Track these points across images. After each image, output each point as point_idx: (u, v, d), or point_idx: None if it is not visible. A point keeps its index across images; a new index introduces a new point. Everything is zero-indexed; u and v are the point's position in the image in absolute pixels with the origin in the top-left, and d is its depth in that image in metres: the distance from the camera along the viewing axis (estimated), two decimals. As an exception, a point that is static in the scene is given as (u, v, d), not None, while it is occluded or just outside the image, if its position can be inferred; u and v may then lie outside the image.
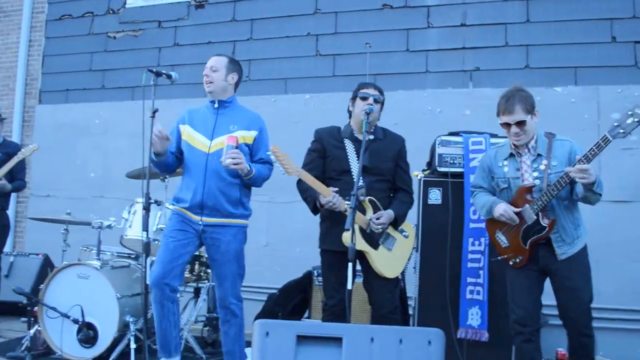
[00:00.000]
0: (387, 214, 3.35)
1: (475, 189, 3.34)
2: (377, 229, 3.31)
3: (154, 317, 3.30)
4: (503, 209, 3.05)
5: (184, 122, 3.49)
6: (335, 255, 3.32)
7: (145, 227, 2.99)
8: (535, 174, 3.06)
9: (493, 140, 3.83)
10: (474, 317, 3.71)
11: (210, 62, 3.46)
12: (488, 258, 3.70)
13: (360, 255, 3.30)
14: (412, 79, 5.57)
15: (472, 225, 3.76)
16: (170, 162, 3.40)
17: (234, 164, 3.20)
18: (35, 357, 3.93)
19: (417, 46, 5.58)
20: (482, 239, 3.72)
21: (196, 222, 3.34)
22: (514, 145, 3.11)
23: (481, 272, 3.71)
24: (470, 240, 3.76)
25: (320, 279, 4.43)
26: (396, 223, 3.41)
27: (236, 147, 3.24)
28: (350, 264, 2.88)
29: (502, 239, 3.17)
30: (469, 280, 3.73)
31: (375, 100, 3.38)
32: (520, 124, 2.99)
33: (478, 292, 3.71)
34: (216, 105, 3.45)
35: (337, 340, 2.40)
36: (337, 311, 3.28)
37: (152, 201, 3.07)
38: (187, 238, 3.33)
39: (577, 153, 2.93)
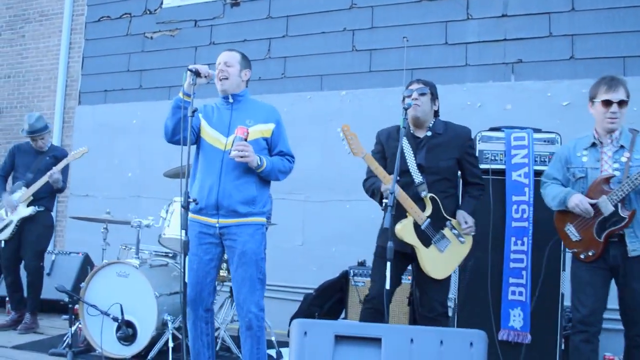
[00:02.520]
0: (463, 214, 3.32)
1: (547, 180, 3.31)
2: (472, 232, 3.32)
3: (188, 336, 3.25)
4: (579, 200, 3.03)
5: (200, 112, 3.35)
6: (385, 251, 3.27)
7: (184, 226, 2.99)
8: (616, 165, 3.06)
9: (536, 135, 3.74)
10: (516, 319, 3.63)
11: (223, 57, 3.35)
12: (531, 258, 3.62)
13: (413, 255, 3.27)
14: (451, 72, 5.49)
15: (514, 224, 3.67)
16: (192, 125, 3.17)
17: (241, 157, 3.12)
18: (76, 354, 4.03)
19: (456, 39, 5.49)
20: (525, 238, 3.63)
21: (213, 225, 3.24)
22: (597, 133, 3.13)
23: (524, 272, 3.62)
24: (513, 239, 3.67)
25: (356, 279, 4.60)
26: None
27: (245, 140, 3.15)
28: (389, 263, 2.83)
29: (573, 232, 3.15)
30: (511, 280, 3.65)
31: (421, 94, 3.32)
32: (622, 104, 3.04)
33: (520, 293, 3.62)
34: (230, 100, 3.34)
35: (376, 341, 2.38)
36: (376, 304, 3.22)
37: (190, 200, 3.06)
38: (209, 253, 3.26)
39: None
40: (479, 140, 3.81)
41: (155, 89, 6.77)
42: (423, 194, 3.24)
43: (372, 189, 3.36)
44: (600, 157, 3.11)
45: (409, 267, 3.58)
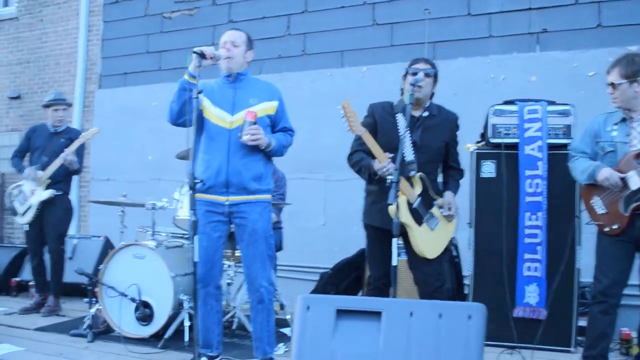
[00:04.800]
0: (451, 196, 3.44)
1: (576, 153, 3.39)
2: (454, 214, 3.42)
3: (197, 314, 3.40)
4: (609, 173, 3.12)
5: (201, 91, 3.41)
6: (376, 231, 3.42)
7: (192, 207, 3.16)
8: None
9: (550, 107, 3.78)
10: (532, 295, 3.72)
11: (229, 36, 3.43)
12: (547, 233, 3.68)
13: (403, 233, 3.37)
14: (474, 45, 5.52)
15: (528, 198, 3.74)
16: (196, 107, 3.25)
17: (253, 140, 3.26)
18: (96, 335, 4.27)
19: (479, 9, 5.51)
20: (539, 213, 3.71)
21: (222, 203, 3.39)
22: (628, 109, 3.21)
23: (539, 247, 3.70)
24: (527, 214, 3.75)
25: (373, 257, 4.65)
26: None
27: (254, 123, 3.28)
28: (395, 239, 2.97)
29: (599, 205, 3.23)
30: (526, 256, 3.74)
31: (427, 75, 3.38)
32: (614, 86, 3.14)
33: (536, 269, 3.71)
34: (232, 78, 3.44)
35: (377, 314, 2.48)
36: (380, 285, 3.40)
37: (197, 181, 3.21)
38: (217, 230, 3.42)
39: None
40: (491, 114, 3.87)
41: (174, 70, 6.89)
42: (412, 173, 3.33)
43: (361, 165, 3.44)
44: (630, 132, 3.19)
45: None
